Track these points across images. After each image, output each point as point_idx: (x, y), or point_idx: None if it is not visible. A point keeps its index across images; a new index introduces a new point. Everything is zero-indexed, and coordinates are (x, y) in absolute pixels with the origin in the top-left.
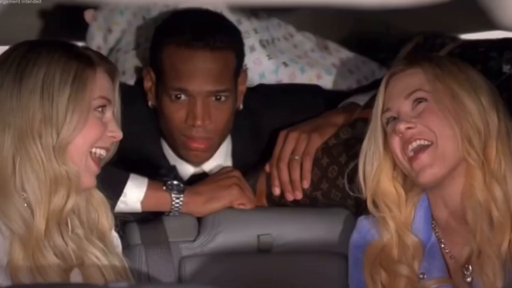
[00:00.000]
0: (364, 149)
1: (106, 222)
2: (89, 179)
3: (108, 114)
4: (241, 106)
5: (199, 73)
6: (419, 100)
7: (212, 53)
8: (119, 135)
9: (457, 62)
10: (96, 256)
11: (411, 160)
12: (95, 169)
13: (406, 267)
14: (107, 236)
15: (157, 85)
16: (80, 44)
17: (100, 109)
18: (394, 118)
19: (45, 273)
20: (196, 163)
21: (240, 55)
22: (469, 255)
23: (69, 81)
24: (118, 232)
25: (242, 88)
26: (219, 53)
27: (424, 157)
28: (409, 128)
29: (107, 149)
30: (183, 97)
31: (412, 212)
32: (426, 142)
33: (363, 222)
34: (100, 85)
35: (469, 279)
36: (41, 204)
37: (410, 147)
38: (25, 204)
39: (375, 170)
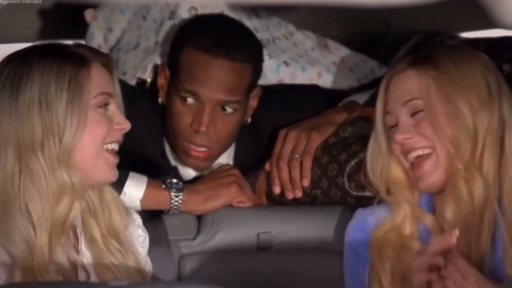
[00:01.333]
0: (370, 149)
1: (119, 219)
2: (110, 173)
3: (112, 107)
4: (249, 120)
5: (212, 80)
6: (416, 111)
7: (230, 63)
8: (127, 125)
9: (457, 56)
10: (112, 261)
11: (412, 166)
12: (113, 160)
13: (419, 242)
14: (121, 233)
15: (170, 83)
16: (81, 42)
17: (103, 105)
18: (395, 125)
19: None
20: (195, 169)
21: (257, 71)
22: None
23: (64, 87)
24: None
25: (253, 103)
26: (237, 65)
27: (426, 166)
28: (406, 138)
29: (118, 142)
30: (192, 101)
31: (418, 200)
32: (426, 151)
33: (360, 213)
34: (98, 82)
35: None
36: (43, 219)
37: (410, 156)
38: (29, 225)
39: (381, 166)
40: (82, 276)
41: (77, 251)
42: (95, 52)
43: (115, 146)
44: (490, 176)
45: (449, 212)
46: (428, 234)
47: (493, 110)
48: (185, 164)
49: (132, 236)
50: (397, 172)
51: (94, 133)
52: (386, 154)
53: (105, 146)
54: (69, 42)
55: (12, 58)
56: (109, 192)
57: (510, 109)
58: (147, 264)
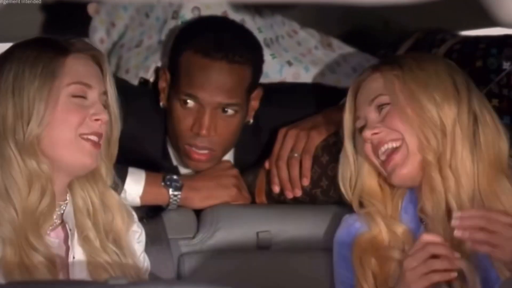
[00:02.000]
0: (340, 162)
1: (122, 224)
2: (86, 158)
3: (91, 97)
4: (251, 121)
5: (212, 83)
6: (382, 106)
7: (229, 66)
8: (104, 117)
9: (421, 58)
10: (106, 260)
11: (383, 163)
12: (90, 148)
13: (398, 251)
14: (123, 238)
15: (170, 86)
16: None
17: (79, 95)
18: (364, 126)
19: (34, 272)
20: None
21: (257, 72)
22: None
23: (37, 73)
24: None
25: (254, 104)
26: (236, 67)
27: (396, 158)
28: (375, 133)
29: (96, 134)
30: (192, 104)
31: (399, 205)
32: (395, 144)
33: (347, 219)
34: (73, 71)
35: None
36: (21, 205)
37: (380, 152)
38: (11, 209)
39: (349, 175)
40: (73, 272)
41: (67, 247)
42: (86, 45)
43: (92, 138)
44: (461, 171)
45: (428, 207)
46: (417, 229)
47: (462, 105)
48: (187, 166)
49: (130, 237)
50: (369, 182)
51: (64, 120)
52: (355, 165)
53: (81, 136)
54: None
55: (9, 48)
56: (113, 197)
57: (481, 106)
58: (144, 261)
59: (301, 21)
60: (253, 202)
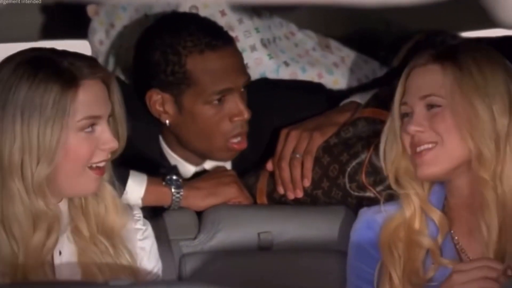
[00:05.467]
0: (385, 133)
1: (116, 218)
2: (91, 187)
3: (100, 127)
4: None
5: (233, 68)
6: (433, 105)
7: (232, 47)
8: (114, 145)
9: (481, 61)
10: (96, 254)
11: (415, 155)
12: (96, 176)
13: (429, 239)
14: (116, 232)
15: (180, 99)
16: (82, 41)
17: (88, 128)
18: (408, 114)
19: None
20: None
21: None
22: (475, 248)
23: (48, 106)
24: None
25: None
26: (233, 46)
27: (427, 156)
28: (418, 131)
29: (105, 161)
30: (224, 97)
31: (427, 192)
32: (431, 146)
33: (366, 212)
34: (85, 105)
35: None
36: (23, 241)
37: (418, 149)
38: (13, 241)
39: (394, 154)
40: (60, 268)
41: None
42: (94, 67)
43: (101, 165)
44: (508, 189)
45: (483, 226)
46: (436, 230)
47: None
48: (220, 158)
49: (129, 233)
50: (409, 163)
51: (75, 155)
52: (399, 144)
53: (91, 165)
54: (70, 41)
55: (8, 61)
56: (108, 191)
57: None
58: (157, 261)
59: (302, 23)
60: (254, 203)
